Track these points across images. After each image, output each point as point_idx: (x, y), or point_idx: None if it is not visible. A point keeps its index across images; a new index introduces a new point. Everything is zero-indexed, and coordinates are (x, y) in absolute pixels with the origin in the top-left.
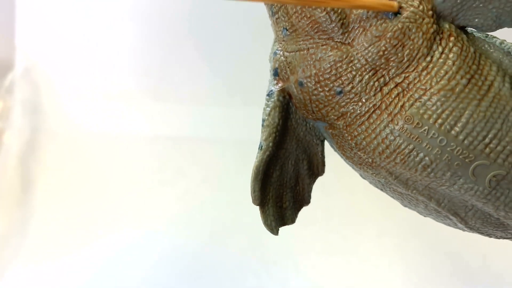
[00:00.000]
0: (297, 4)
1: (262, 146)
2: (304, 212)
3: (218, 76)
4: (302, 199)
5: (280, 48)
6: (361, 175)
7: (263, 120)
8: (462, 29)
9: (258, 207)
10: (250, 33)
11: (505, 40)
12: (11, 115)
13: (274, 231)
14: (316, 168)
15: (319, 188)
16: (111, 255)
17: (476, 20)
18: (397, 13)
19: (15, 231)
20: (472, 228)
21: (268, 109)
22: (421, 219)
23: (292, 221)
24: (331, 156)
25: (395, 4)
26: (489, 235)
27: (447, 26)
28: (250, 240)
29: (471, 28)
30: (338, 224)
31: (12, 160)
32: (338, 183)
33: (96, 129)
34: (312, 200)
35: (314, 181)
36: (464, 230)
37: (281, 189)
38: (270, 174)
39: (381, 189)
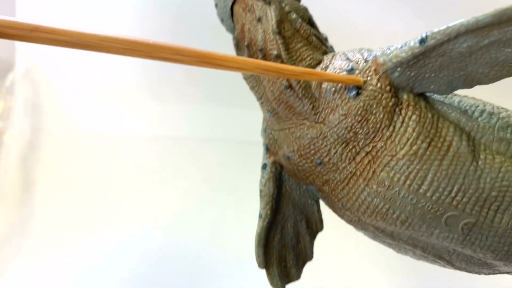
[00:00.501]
0: (276, 76)
1: (261, 215)
2: None
3: (218, 77)
4: (305, 256)
5: (267, 127)
6: (355, 228)
7: (260, 191)
8: (422, 95)
9: (262, 252)
10: None
11: (466, 97)
12: (11, 115)
13: None
14: (314, 226)
15: None
16: (111, 255)
17: (432, 86)
18: (358, 93)
19: (15, 231)
20: (459, 268)
21: (264, 180)
22: None
23: (297, 277)
24: None
25: (361, 79)
26: (478, 273)
27: (405, 96)
28: (250, 240)
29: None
30: (338, 224)
31: (12, 160)
32: None
33: (96, 129)
34: None
35: (314, 238)
36: (454, 270)
37: (284, 250)
38: (272, 238)
39: (373, 239)
